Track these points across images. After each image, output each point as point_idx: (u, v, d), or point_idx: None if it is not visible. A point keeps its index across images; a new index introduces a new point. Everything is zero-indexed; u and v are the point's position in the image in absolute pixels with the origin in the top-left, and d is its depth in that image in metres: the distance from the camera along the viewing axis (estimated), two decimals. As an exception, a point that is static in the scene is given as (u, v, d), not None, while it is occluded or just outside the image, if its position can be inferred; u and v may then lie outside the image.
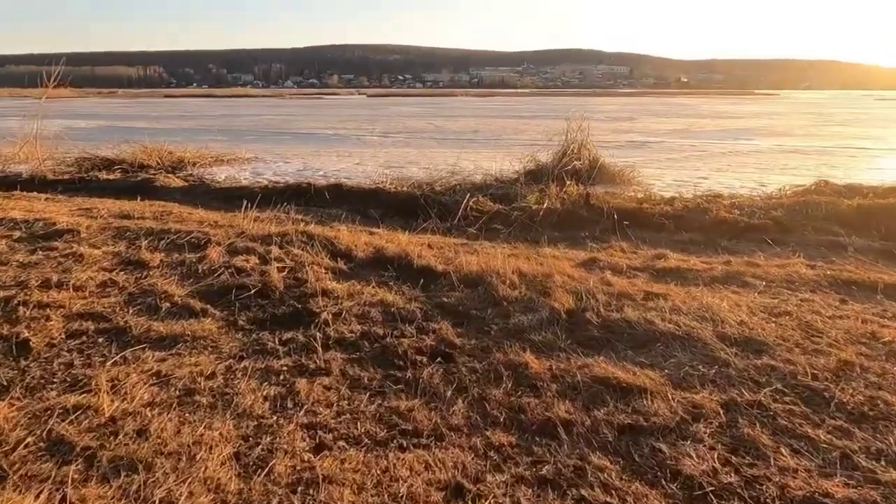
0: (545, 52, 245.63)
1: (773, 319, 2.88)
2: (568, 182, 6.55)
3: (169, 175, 8.03)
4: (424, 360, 2.51)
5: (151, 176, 7.82)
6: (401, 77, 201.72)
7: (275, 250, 3.74)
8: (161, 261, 3.48)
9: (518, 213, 5.62)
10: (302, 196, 6.34)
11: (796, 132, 17.54)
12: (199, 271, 3.35)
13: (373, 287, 3.29)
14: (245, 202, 5.09)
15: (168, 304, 2.90)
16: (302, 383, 2.28)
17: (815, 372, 2.37)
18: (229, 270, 3.35)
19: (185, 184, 7.53)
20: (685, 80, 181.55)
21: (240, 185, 7.23)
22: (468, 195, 5.99)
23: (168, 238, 3.90)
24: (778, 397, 2.19)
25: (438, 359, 2.51)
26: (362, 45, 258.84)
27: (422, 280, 3.49)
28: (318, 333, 2.70)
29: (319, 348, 2.57)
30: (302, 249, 3.85)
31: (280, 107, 36.71)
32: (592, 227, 5.53)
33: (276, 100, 52.70)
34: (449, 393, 2.25)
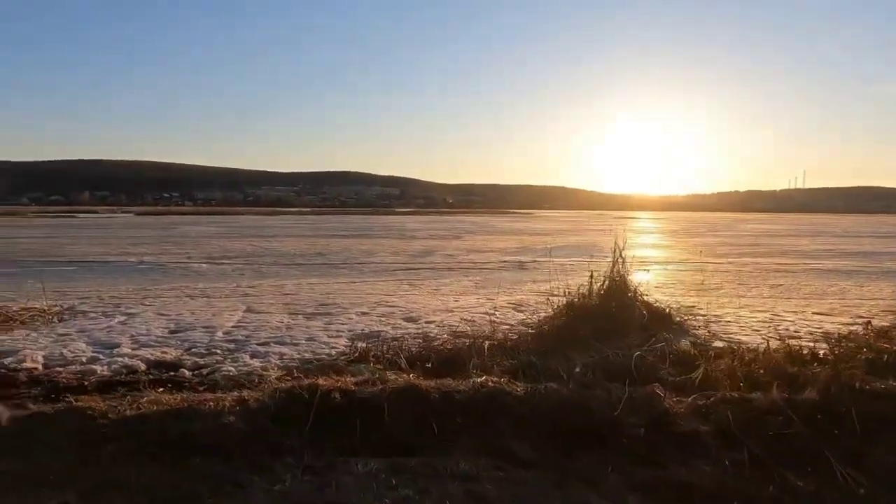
0: (320, 173, 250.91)
1: None
2: (671, 336, 4.47)
3: None
4: None
5: None
6: (167, 195, 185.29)
7: None
8: None
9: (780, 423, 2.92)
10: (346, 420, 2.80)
11: (607, 248, 18.68)
12: None
13: None
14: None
15: None
16: None
17: None
18: None
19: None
20: (450, 200, 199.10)
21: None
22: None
23: None
24: None
25: None
26: (119, 160, 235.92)
27: None
28: None
29: None
30: None
31: (30, 227, 29.46)
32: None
33: (15, 218, 42.96)
34: None
